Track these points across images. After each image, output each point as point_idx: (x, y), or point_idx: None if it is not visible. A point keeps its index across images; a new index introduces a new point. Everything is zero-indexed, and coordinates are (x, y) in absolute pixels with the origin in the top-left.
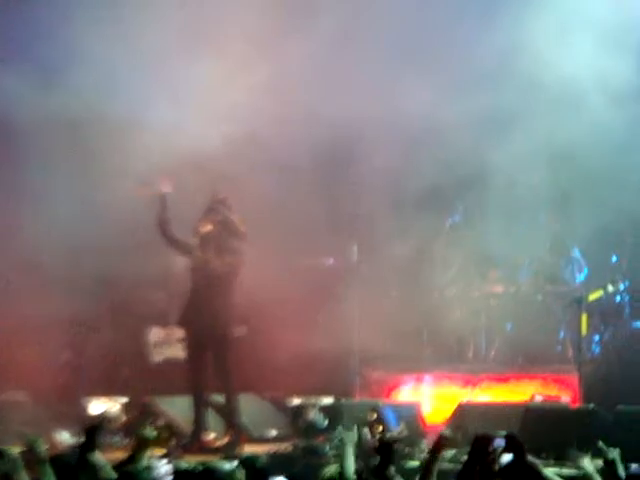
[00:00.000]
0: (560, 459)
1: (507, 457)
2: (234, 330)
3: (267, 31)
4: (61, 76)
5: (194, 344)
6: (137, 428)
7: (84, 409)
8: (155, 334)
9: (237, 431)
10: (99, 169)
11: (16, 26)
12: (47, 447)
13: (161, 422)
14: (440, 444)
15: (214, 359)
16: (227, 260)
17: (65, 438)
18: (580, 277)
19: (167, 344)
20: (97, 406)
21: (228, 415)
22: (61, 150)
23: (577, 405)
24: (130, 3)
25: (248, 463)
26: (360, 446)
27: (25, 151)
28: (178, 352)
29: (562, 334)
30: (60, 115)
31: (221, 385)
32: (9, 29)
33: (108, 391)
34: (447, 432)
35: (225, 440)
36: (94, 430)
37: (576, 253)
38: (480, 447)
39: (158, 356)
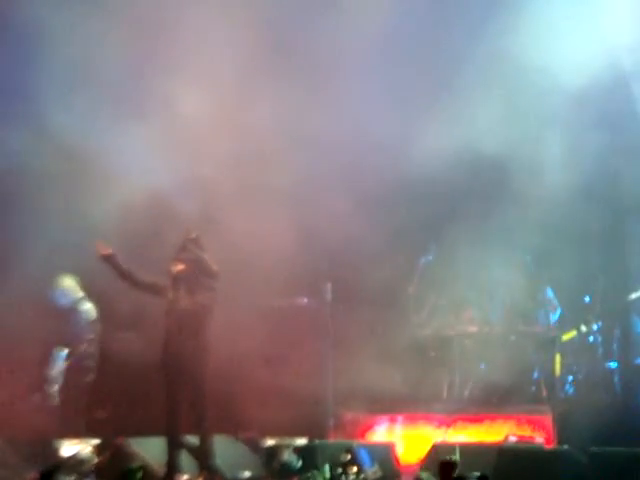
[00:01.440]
0: None
1: None
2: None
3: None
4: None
5: (168, 384)
6: (109, 470)
7: (55, 450)
8: None
9: (211, 472)
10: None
11: None
12: None
13: (135, 464)
14: None
15: (188, 399)
16: (199, 299)
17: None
18: (553, 317)
19: None
20: (69, 447)
21: (202, 456)
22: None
23: (551, 446)
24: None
25: None
26: None
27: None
28: None
29: (536, 374)
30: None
31: (195, 426)
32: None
33: (80, 432)
34: (423, 475)
35: None
36: (50, 474)
37: (549, 293)
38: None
39: None
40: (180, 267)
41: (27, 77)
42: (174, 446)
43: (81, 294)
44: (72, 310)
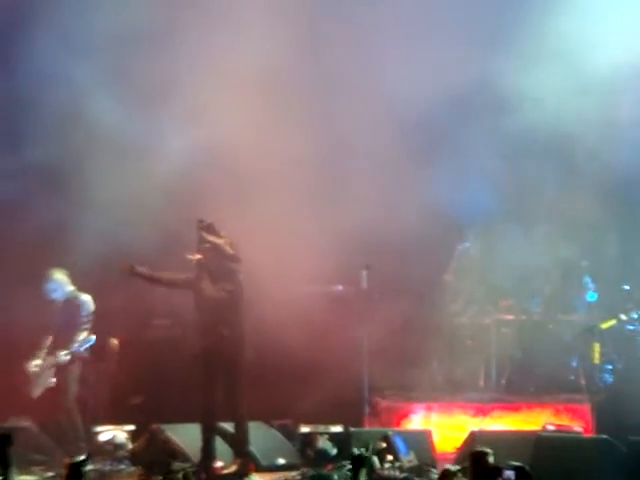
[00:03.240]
0: None
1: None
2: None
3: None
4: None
5: (204, 372)
6: (144, 455)
7: (91, 436)
8: None
9: (245, 459)
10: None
11: None
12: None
13: (174, 450)
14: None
15: (224, 386)
16: (223, 286)
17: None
18: (592, 306)
19: None
20: (104, 433)
21: (237, 443)
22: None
23: (590, 435)
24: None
25: None
26: (370, 474)
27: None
28: None
29: (574, 363)
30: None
31: (231, 412)
32: None
33: (115, 418)
34: (452, 467)
35: (233, 468)
36: (80, 465)
37: (588, 281)
38: (477, 462)
39: None
40: (197, 256)
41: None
42: (210, 432)
43: (72, 287)
44: (68, 302)
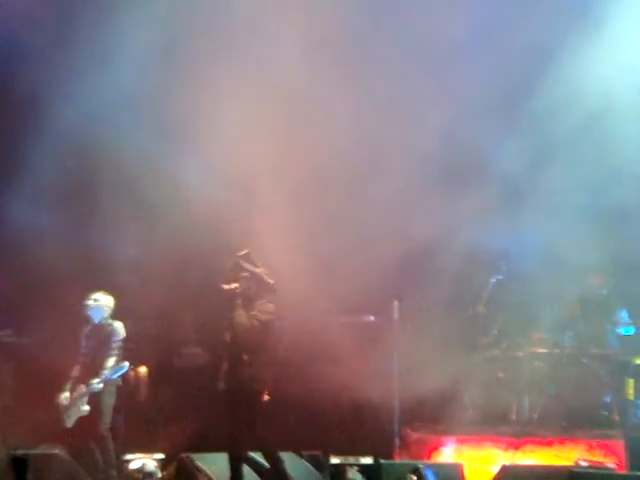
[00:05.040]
0: None
1: None
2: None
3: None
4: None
5: (230, 400)
6: None
7: (121, 464)
8: None
9: None
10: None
11: None
12: None
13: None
14: None
15: (249, 416)
16: (256, 315)
17: None
18: (626, 341)
19: None
20: (134, 462)
21: (268, 475)
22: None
23: (623, 472)
24: None
25: None
26: None
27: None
28: None
29: (608, 398)
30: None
31: (257, 443)
32: None
33: (145, 448)
34: None
35: None
36: None
37: (624, 316)
38: None
39: None
40: (233, 285)
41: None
42: (237, 462)
43: (111, 311)
44: (100, 328)
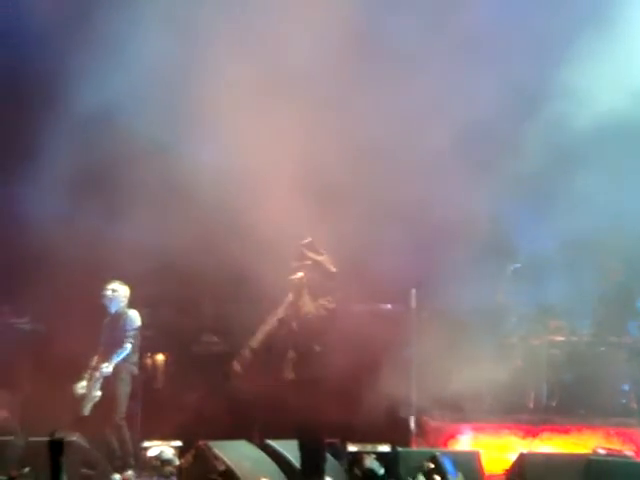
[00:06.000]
0: None
1: None
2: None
3: None
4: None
5: (297, 388)
6: (191, 472)
7: (139, 452)
8: None
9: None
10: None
11: None
12: None
13: (221, 467)
14: None
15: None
16: (324, 303)
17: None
18: None
19: None
20: (152, 449)
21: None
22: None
23: None
24: None
25: None
26: None
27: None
28: None
29: (626, 386)
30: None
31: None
32: None
33: (163, 435)
34: None
35: None
36: None
37: None
38: None
39: None
40: (299, 275)
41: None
42: (312, 451)
43: (127, 300)
44: (119, 316)
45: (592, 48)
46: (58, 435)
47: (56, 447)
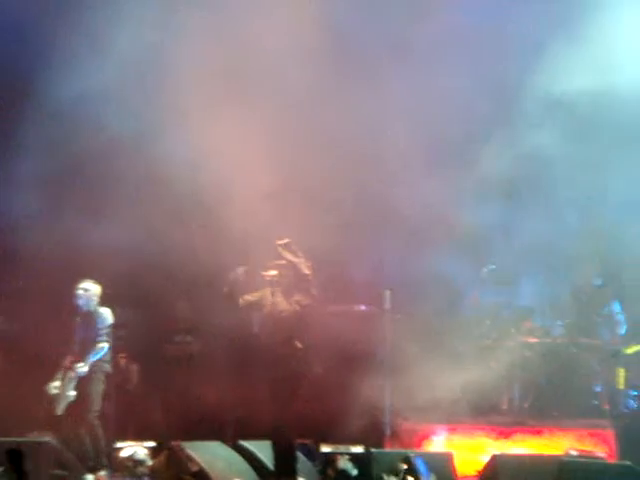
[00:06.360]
0: None
1: None
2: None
3: None
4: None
5: (273, 385)
6: (164, 472)
7: (112, 452)
8: None
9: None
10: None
11: None
12: None
13: (194, 468)
14: None
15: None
16: (299, 299)
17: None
18: (619, 331)
19: None
20: (125, 449)
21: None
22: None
23: (613, 461)
24: None
25: None
26: None
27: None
28: None
29: (598, 388)
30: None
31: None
32: None
33: (136, 435)
34: None
35: None
36: None
37: (616, 307)
38: None
39: None
40: (273, 272)
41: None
42: (284, 450)
43: (98, 299)
44: (91, 314)
45: (563, 52)
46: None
47: (14, 456)
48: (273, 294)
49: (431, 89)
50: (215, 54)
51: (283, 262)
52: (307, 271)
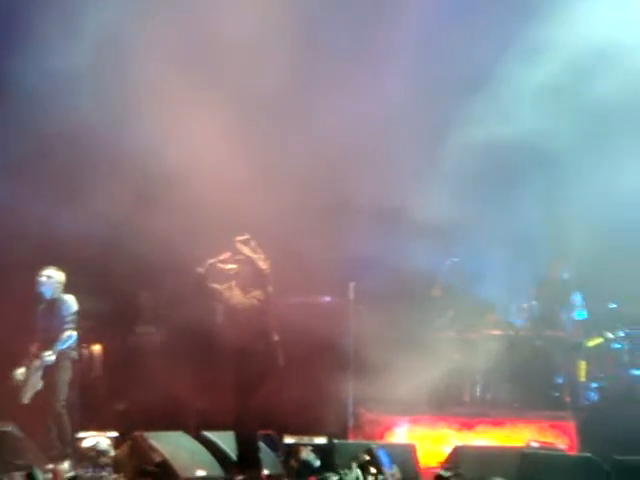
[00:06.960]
0: None
1: None
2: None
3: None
4: None
5: (237, 379)
6: (127, 463)
7: (75, 442)
8: None
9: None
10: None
11: None
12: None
13: (157, 458)
14: None
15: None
16: (255, 294)
17: (65, 469)
18: (580, 323)
19: None
20: (87, 439)
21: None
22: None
23: (573, 453)
24: None
25: None
26: None
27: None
28: None
29: (560, 380)
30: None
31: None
32: None
33: (98, 425)
34: (444, 473)
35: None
36: None
37: (578, 299)
38: None
39: None
40: (231, 267)
41: None
42: (246, 440)
43: (62, 286)
44: (55, 302)
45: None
46: None
47: None
48: (231, 288)
49: (394, 84)
50: (187, 38)
51: (241, 257)
52: (265, 267)
